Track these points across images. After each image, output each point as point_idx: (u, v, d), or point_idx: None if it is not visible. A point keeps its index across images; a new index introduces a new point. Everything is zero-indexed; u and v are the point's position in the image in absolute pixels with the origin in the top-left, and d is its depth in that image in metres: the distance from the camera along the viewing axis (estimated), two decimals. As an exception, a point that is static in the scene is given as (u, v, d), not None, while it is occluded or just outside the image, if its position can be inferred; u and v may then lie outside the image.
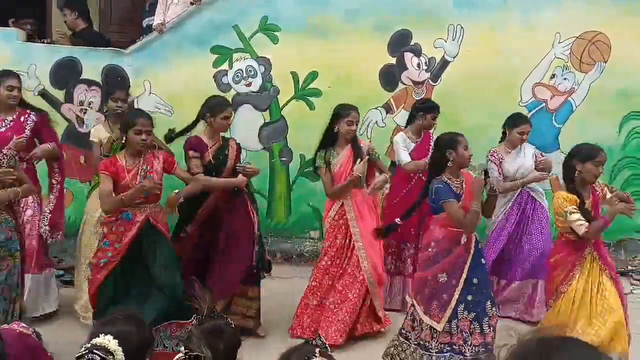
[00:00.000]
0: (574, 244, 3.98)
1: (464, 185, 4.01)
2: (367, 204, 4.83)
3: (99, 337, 2.12)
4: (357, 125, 4.80)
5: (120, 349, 2.09)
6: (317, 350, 1.96)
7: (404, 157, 5.16)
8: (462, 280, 3.94)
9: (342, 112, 4.73)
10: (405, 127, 5.42)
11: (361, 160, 4.67)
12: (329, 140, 4.78)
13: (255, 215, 4.77)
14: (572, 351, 1.24)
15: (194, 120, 4.72)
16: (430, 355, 4.00)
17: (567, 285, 3.96)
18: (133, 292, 4.11)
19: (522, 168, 5.16)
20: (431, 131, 5.31)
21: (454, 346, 3.96)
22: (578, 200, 3.85)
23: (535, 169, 5.24)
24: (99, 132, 5.02)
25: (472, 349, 3.94)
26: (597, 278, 3.94)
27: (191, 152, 4.58)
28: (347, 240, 4.74)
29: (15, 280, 3.96)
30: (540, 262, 4.96)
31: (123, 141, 4.25)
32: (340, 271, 4.74)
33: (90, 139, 5.07)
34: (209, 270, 4.65)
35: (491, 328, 3.98)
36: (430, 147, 5.21)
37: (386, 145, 6.33)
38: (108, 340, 2.09)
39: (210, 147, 4.64)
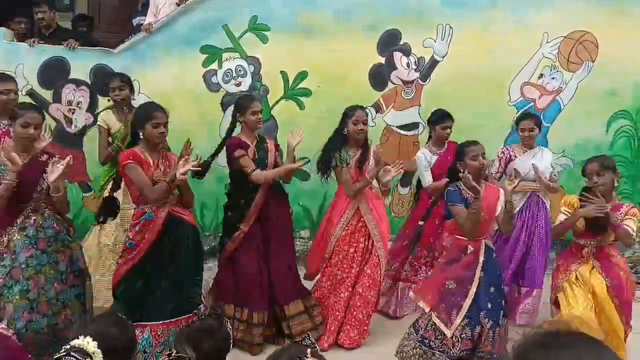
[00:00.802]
0: (577, 248, 4.14)
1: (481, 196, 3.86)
2: (381, 205, 4.81)
3: (79, 338, 2.09)
4: (364, 124, 4.70)
5: (99, 350, 2.06)
6: (308, 350, 1.95)
7: (427, 179, 5.17)
8: (473, 289, 3.89)
9: (348, 112, 4.72)
10: (427, 141, 5.42)
11: (367, 162, 4.69)
12: (338, 141, 4.71)
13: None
14: (577, 348, 1.17)
15: (229, 127, 4.81)
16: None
17: (566, 277, 4.06)
18: (159, 289, 4.04)
19: (532, 170, 5.04)
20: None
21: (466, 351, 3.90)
22: (574, 203, 3.97)
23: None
24: (109, 119, 5.12)
25: (480, 355, 3.88)
26: (598, 282, 4.00)
27: (237, 152, 4.55)
28: (367, 243, 4.70)
29: (79, 267, 4.07)
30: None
31: (141, 136, 4.03)
32: (360, 274, 4.69)
33: (98, 124, 5.20)
34: (268, 275, 4.66)
35: (501, 339, 3.92)
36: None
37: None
38: (87, 342, 2.06)
39: (250, 146, 4.65)
